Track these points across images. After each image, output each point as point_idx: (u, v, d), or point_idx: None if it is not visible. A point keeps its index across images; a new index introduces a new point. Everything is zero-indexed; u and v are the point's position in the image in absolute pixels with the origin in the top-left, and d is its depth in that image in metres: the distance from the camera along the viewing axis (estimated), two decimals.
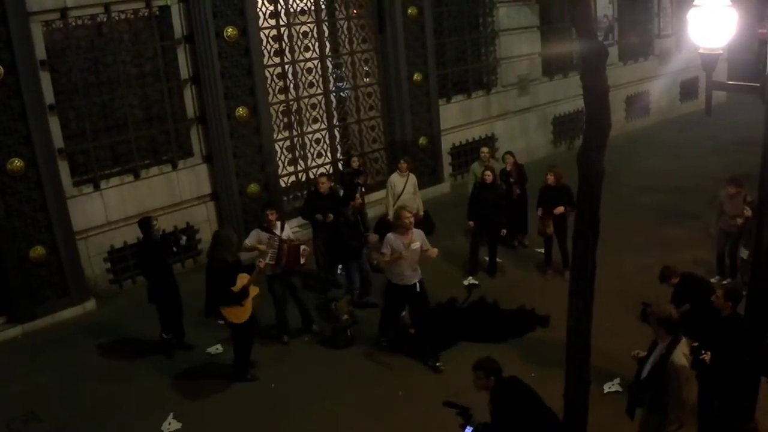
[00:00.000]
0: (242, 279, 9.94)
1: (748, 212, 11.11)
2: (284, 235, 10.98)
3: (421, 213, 13.68)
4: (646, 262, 12.02)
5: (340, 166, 16.35)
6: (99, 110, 12.93)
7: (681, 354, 6.91)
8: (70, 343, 11.54)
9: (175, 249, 11.98)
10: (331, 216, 12.29)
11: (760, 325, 7.93)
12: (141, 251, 11.25)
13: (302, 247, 11.10)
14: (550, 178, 12.61)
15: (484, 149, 14.52)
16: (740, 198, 11.75)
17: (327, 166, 16.13)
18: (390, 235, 10.21)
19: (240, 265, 10.25)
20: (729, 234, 11.87)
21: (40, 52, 11.84)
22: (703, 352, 7.55)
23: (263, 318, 11.06)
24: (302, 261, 11.12)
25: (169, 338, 11.10)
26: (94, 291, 12.84)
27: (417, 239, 10.26)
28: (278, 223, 11.08)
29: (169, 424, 9.38)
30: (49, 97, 11.99)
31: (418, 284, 10.31)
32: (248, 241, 11.02)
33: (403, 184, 13.40)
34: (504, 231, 13.07)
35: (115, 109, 13.05)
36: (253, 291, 10.08)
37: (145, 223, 10.98)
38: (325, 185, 12.62)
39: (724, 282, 11.71)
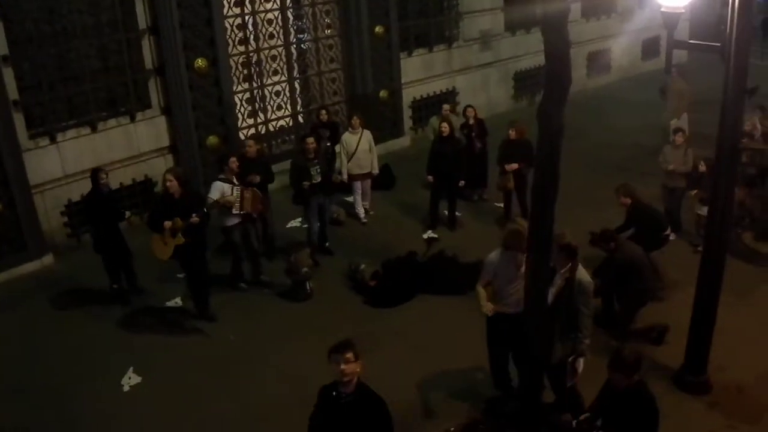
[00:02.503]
0: (175, 223, 9.86)
1: (702, 167, 11.30)
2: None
3: (376, 171, 13.64)
4: (605, 217, 12.11)
5: (300, 118, 16.28)
6: (55, 61, 12.61)
7: (584, 271, 7.67)
8: (29, 299, 11.44)
9: (125, 215, 11.55)
10: (258, 178, 11.49)
11: (714, 282, 8.18)
12: (88, 202, 11.13)
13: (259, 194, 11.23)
14: (512, 133, 12.70)
15: (446, 106, 14.50)
16: (682, 149, 12.02)
17: (287, 119, 16.04)
18: (493, 258, 8.03)
19: (184, 206, 9.92)
20: (672, 189, 12.10)
21: None
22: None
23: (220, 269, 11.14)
24: (260, 207, 11.29)
25: (120, 287, 11.15)
26: (51, 245, 12.68)
27: None
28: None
29: (129, 378, 9.39)
30: (2, 47, 11.69)
31: None
32: (214, 196, 10.68)
33: (356, 142, 13.19)
34: (462, 182, 13.09)
35: (71, 60, 12.76)
36: (178, 240, 9.95)
37: (93, 175, 10.89)
38: (252, 149, 11.94)
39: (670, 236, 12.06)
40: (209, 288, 10.68)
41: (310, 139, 11.94)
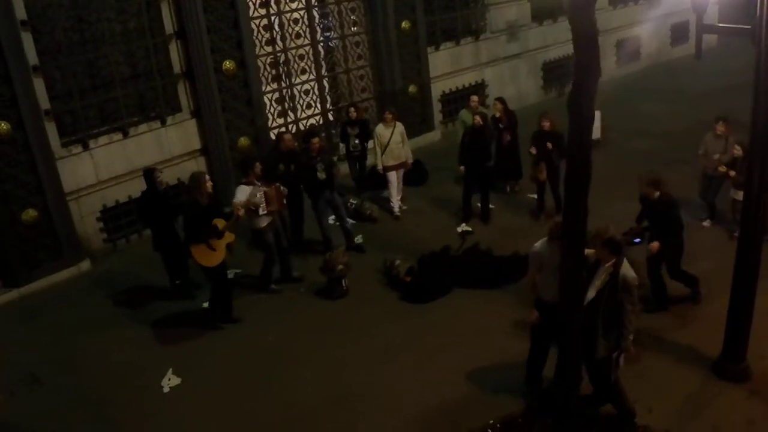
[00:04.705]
0: (218, 224, 10.02)
1: (738, 151, 11.12)
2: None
3: (410, 161, 13.79)
4: (638, 207, 12.01)
5: (330, 116, 16.32)
6: (84, 69, 12.74)
7: (629, 267, 7.40)
8: (67, 304, 11.57)
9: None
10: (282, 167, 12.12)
11: (752, 268, 8.05)
12: (145, 201, 11.23)
13: (282, 188, 11.30)
14: (546, 124, 12.62)
15: (474, 98, 14.48)
16: (724, 138, 11.79)
17: (317, 117, 16.07)
18: (539, 249, 7.99)
19: (217, 209, 10.25)
20: (712, 177, 11.89)
21: (21, 12, 11.61)
22: None
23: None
24: (284, 201, 11.44)
25: (181, 283, 11.35)
26: (88, 251, 12.82)
27: None
28: None
29: (169, 379, 9.45)
30: (32, 57, 11.80)
31: None
32: (242, 198, 10.68)
33: (390, 134, 13.32)
34: (491, 162, 13.12)
35: (100, 67, 12.88)
36: (229, 237, 10.14)
37: (148, 174, 11.08)
38: (290, 142, 12.42)
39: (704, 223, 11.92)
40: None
41: (315, 139, 12.15)
